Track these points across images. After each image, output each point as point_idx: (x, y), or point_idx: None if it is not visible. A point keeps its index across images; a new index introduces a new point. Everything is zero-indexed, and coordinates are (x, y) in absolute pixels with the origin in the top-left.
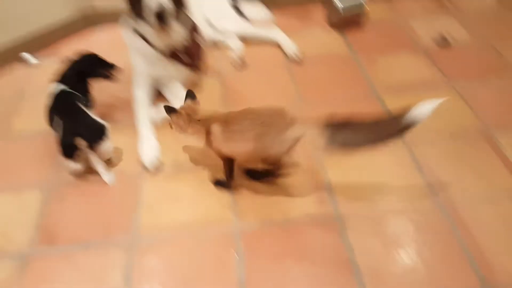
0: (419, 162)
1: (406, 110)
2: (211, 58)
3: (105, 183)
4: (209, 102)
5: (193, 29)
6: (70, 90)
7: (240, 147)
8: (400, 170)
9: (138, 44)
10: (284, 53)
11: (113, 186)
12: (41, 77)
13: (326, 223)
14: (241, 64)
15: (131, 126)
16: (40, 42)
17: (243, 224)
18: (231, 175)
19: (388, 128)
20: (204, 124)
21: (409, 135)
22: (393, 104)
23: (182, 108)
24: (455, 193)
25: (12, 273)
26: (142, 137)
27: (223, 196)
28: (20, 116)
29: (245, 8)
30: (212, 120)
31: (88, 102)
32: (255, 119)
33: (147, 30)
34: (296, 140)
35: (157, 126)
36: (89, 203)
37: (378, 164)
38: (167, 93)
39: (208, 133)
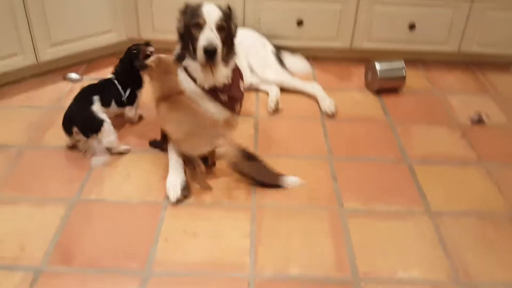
0: (443, 237)
1: (281, 174)
2: (248, 101)
3: (128, 208)
4: (240, 141)
5: (236, 71)
6: (112, 81)
7: (172, 132)
8: (423, 243)
9: (182, 78)
10: (319, 107)
11: (135, 213)
12: None
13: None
14: (276, 111)
15: (161, 155)
16: (85, 61)
17: (259, 272)
18: (164, 141)
19: (270, 178)
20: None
21: (436, 206)
22: (422, 174)
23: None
24: (475, 276)
25: (22, 286)
26: (171, 168)
27: (242, 239)
28: (54, 128)
29: (287, 58)
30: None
31: (126, 96)
32: (193, 118)
33: (193, 65)
34: (215, 148)
35: (186, 161)
36: (109, 227)
37: (402, 232)
38: None
39: (158, 105)
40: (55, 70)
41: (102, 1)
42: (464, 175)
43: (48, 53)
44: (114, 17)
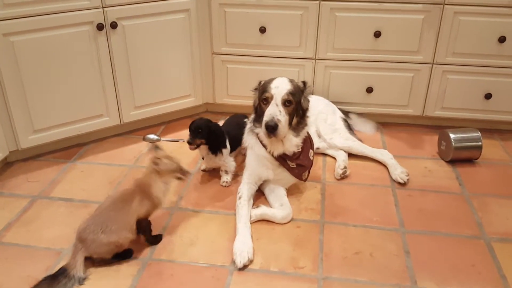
0: None
1: None
2: (315, 165)
3: (197, 271)
4: (306, 207)
5: (307, 140)
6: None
7: None
8: None
9: (254, 145)
10: (390, 175)
11: (203, 276)
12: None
13: None
14: (343, 176)
15: (230, 217)
16: (163, 122)
17: None
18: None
19: None
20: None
21: None
22: (502, 254)
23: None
24: None
25: None
26: (239, 232)
27: None
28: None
29: (354, 119)
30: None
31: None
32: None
33: (263, 135)
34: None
35: (253, 226)
36: None
37: None
38: (269, 196)
39: None
40: (135, 130)
41: (184, 70)
42: None
43: (131, 116)
44: (194, 84)
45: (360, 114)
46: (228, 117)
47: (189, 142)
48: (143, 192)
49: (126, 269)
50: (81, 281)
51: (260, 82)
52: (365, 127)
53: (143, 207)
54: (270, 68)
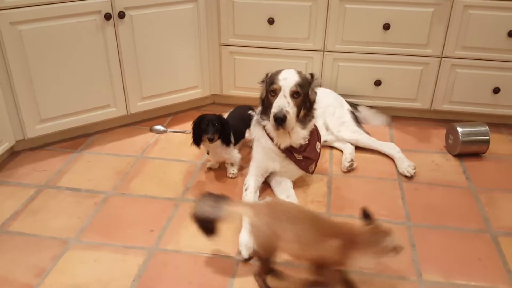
0: None
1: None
2: (322, 158)
3: (203, 261)
4: (313, 199)
5: (314, 132)
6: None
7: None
8: None
9: (261, 137)
10: (397, 168)
11: (209, 265)
12: (164, 142)
13: None
14: (350, 169)
15: None
16: (170, 113)
17: None
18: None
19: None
20: None
21: None
22: (508, 248)
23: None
24: None
25: None
26: (245, 224)
27: None
28: (139, 177)
29: (364, 110)
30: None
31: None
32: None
33: (270, 127)
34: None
35: None
36: (184, 278)
37: None
38: (276, 188)
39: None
40: (142, 121)
41: (191, 61)
42: None
43: (138, 106)
44: (201, 75)
45: (370, 107)
46: (232, 109)
47: (210, 139)
48: (349, 243)
49: (132, 259)
50: None
51: (267, 74)
52: (376, 119)
53: (333, 252)
54: (278, 60)
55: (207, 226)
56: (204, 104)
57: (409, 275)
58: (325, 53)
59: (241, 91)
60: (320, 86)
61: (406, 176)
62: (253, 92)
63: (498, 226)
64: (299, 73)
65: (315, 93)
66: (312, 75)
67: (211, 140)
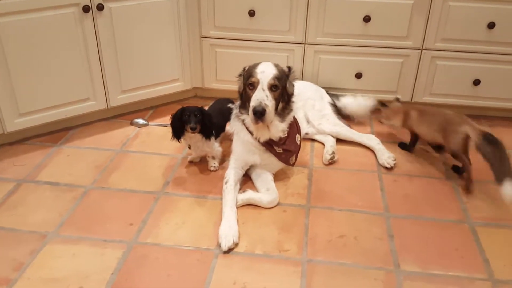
0: None
1: None
2: (303, 151)
3: (182, 254)
4: (293, 192)
5: (294, 125)
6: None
7: (425, 132)
8: None
9: (240, 131)
10: (377, 160)
11: (188, 258)
12: (145, 135)
13: None
14: (331, 162)
15: (217, 203)
16: (151, 107)
17: None
18: (413, 145)
19: (504, 172)
20: (405, 112)
21: (501, 274)
22: (486, 238)
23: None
24: None
25: None
26: (224, 217)
27: None
28: (119, 171)
29: (347, 98)
30: (411, 109)
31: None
32: (440, 117)
33: (249, 120)
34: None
35: (240, 210)
36: (163, 272)
37: None
38: (256, 180)
39: (405, 117)
40: (123, 114)
41: (172, 54)
42: None
43: (118, 100)
44: (182, 68)
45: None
46: (212, 103)
47: (192, 128)
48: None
49: (111, 252)
50: None
51: (244, 68)
52: (360, 109)
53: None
54: (259, 52)
55: None
56: (186, 97)
57: (387, 265)
58: (306, 45)
59: (222, 84)
60: (297, 79)
61: (386, 168)
62: (235, 85)
63: (476, 216)
64: (277, 66)
65: (293, 86)
66: (289, 68)
67: (193, 130)
